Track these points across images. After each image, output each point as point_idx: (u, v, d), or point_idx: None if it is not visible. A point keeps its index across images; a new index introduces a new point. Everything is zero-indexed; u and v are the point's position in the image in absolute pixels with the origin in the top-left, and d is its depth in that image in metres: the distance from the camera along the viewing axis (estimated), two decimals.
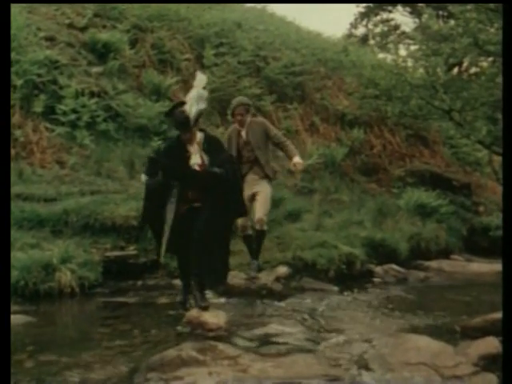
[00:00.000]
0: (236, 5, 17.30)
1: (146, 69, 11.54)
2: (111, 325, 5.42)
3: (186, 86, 11.85)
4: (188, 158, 5.43)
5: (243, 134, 6.94)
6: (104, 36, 11.31)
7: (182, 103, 5.47)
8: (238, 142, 6.92)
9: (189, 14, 13.45)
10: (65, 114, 9.56)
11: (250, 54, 13.05)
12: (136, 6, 12.53)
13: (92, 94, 10.05)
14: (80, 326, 5.73)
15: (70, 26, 11.53)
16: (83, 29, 11.58)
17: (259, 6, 18.62)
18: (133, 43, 11.78)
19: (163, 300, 6.28)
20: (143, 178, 5.62)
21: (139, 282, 7.01)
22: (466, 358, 4.48)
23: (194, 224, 5.31)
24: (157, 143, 9.46)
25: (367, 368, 4.32)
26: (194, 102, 5.36)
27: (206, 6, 14.86)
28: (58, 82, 9.89)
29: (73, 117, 9.56)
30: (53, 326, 5.53)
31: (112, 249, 7.20)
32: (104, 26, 11.86)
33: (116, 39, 11.30)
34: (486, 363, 4.48)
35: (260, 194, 6.79)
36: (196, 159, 5.45)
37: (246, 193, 6.50)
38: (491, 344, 4.76)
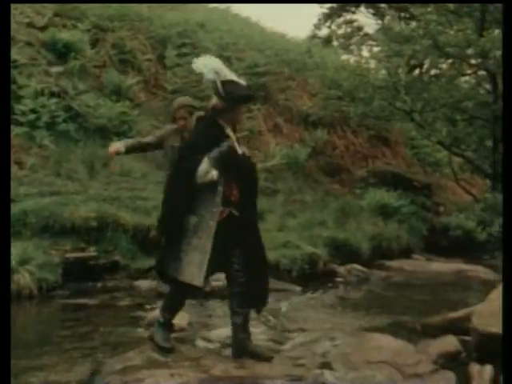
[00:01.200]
0: (199, 5, 17.23)
1: (106, 69, 11.39)
2: (71, 327, 5.33)
3: (148, 86, 11.77)
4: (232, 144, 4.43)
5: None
6: (64, 35, 11.11)
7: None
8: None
9: (150, 14, 13.34)
10: (24, 114, 9.38)
11: (213, 55, 12.90)
12: (97, 5, 12.36)
13: (52, 94, 9.88)
14: (39, 328, 5.61)
15: (30, 25, 11.30)
16: (43, 28, 11.36)
17: (223, 6, 18.56)
18: (93, 43, 11.62)
19: (124, 302, 6.21)
20: (215, 174, 4.25)
21: (99, 284, 6.92)
22: (426, 356, 4.54)
23: (239, 236, 4.37)
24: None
25: (330, 367, 4.33)
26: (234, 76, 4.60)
27: (169, 6, 14.75)
28: (16, 81, 9.70)
29: (32, 117, 9.38)
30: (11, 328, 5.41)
31: (72, 250, 7.09)
32: (64, 26, 11.65)
33: (76, 39, 11.12)
34: (445, 361, 4.56)
35: None
36: (237, 147, 4.49)
37: None
38: (450, 342, 4.84)
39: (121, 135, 9.76)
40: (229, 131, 4.46)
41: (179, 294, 4.38)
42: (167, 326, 4.38)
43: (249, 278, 4.38)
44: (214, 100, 4.47)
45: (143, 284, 6.93)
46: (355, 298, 6.92)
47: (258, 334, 5.04)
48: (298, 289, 7.24)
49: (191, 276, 4.17)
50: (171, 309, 4.41)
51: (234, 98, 4.42)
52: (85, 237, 7.28)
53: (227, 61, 13.08)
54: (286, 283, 7.39)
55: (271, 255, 7.64)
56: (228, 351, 4.41)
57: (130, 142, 6.03)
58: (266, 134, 12.78)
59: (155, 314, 5.33)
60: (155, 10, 13.71)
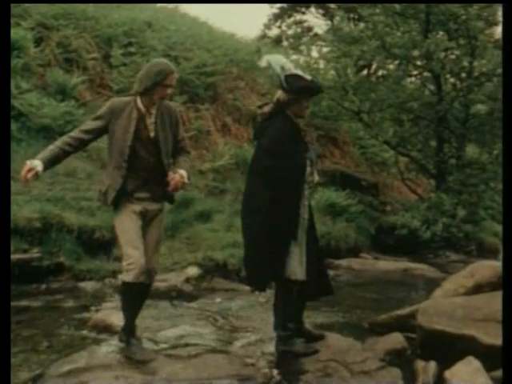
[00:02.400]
0: (147, 4, 17.04)
1: (51, 68, 11.11)
2: (14, 330, 5.17)
3: (93, 85, 11.56)
4: (305, 137, 4.67)
5: (149, 120, 4.26)
6: None
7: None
8: (137, 129, 4.21)
9: (96, 13, 13.11)
10: None
11: (161, 54, 12.84)
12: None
13: None
14: None
15: None
16: None
17: (171, 5, 18.42)
18: (37, 41, 11.33)
19: (68, 304, 6.08)
20: (316, 178, 4.59)
21: (43, 286, 6.76)
22: (373, 353, 4.60)
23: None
24: None
25: (279, 366, 4.34)
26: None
27: (115, 4, 14.52)
28: None
29: None
30: None
31: (14, 251, 6.87)
32: None
33: (20, 37, 10.81)
34: (392, 358, 4.62)
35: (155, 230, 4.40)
36: (310, 138, 4.87)
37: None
38: (396, 340, 4.92)
39: (65, 135, 9.55)
40: (302, 125, 4.67)
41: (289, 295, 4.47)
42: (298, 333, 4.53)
43: (314, 267, 4.50)
44: (279, 93, 4.62)
45: (88, 285, 6.81)
46: None
47: (207, 334, 5.01)
48: (247, 288, 7.21)
49: (294, 272, 4.35)
50: (291, 316, 4.52)
51: (296, 89, 4.52)
52: (28, 238, 7.08)
53: (174, 60, 12.97)
54: (235, 283, 7.36)
55: (219, 255, 7.64)
56: (176, 351, 4.35)
57: (51, 150, 4.24)
58: (214, 133, 12.72)
59: (100, 315, 5.24)
60: (101, 9, 13.49)
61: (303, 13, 25.94)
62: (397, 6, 13.41)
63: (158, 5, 18.30)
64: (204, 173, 10.55)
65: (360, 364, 4.33)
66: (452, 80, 14.20)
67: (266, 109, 4.68)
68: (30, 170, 3.99)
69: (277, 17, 26.07)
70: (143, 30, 13.36)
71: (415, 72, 15.03)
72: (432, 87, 13.94)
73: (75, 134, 4.27)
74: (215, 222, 9.04)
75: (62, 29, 11.93)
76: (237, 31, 18.85)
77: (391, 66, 15.40)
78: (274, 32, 26.38)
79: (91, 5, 13.22)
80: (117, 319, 5.11)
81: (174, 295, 6.45)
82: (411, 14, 13.28)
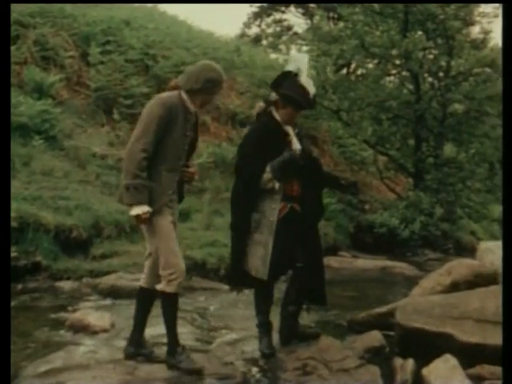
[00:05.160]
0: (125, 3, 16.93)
1: (27, 65, 11.00)
2: None
3: (70, 83, 11.46)
4: (290, 142, 4.56)
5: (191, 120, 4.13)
6: None
7: (291, 74, 4.56)
8: (185, 128, 4.06)
9: (74, 11, 13.02)
10: None
11: (139, 53, 12.81)
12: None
13: None
14: None
15: None
16: None
17: (149, 4, 18.34)
18: (14, 39, 11.20)
19: (45, 303, 6.01)
20: (277, 185, 4.46)
21: (19, 285, 6.65)
22: (352, 351, 4.61)
23: (299, 234, 4.53)
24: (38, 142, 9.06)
25: (258, 365, 4.37)
26: (310, 83, 4.62)
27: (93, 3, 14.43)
28: None
29: None
30: None
31: None
32: None
33: None
34: (371, 356, 4.65)
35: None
36: (296, 144, 4.60)
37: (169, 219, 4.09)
38: (375, 337, 4.94)
39: (42, 133, 9.47)
40: (288, 128, 4.59)
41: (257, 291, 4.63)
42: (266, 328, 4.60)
43: (310, 273, 4.57)
44: (273, 94, 4.62)
45: (66, 285, 6.75)
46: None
47: (185, 333, 4.98)
48: (226, 287, 7.19)
49: (256, 269, 4.42)
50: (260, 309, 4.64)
51: (283, 96, 4.51)
52: None
53: (153, 59, 12.92)
54: (214, 282, 7.34)
55: (198, 254, 7.61)
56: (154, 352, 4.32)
57: (143, 187, 3.85)
58: None
59: (77, 315, 5.19)
60: (79, 7, 13.39)
61: (283, 12, 25.97)
62: (376, 6, 13.49)
63: (137, 4, 18.20)
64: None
65: (339, 362, 4.34)
66: (430, 79, 14.33)
67: (256, 109, 4.73)
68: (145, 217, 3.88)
69: (256, 16, 26.09)
70: (121, 29, 13.28)
71: (394, 71, 15.11)
72: (410, 86, 14.03)
73: (144, 154, 3.86)
74: (194, 221, 9.01)
75: (39, 27, 11.82)
76: (216, 30, 18.86)
77: (370, 65, 15.48)
78: (253, 31, 26.40)
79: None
80: (94, 319, 5.08)
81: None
82: (390, 13, 13.37)
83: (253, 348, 4.65)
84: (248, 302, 6.43)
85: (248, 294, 6.50)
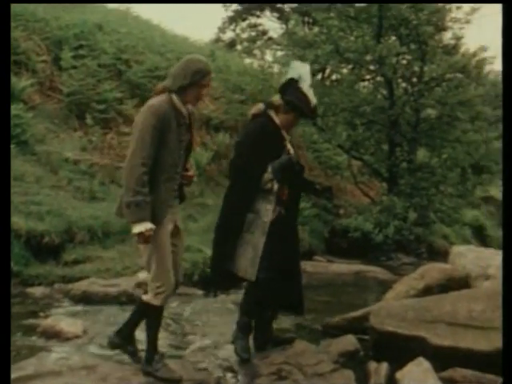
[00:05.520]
0: (98, 6, 16.79)
1: None
2: None
3: (42, 88, 11.32)
4: (285, 146, 4.63)
5: (184, 121, 4.02)
6: None
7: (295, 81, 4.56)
8: (180, 134, 3.96)
9: (46, 15, 12.86)
10: None
11: (111, 57, 12.70)
12: None
13: None
14: None
15: None
16: None
17: (123, 7, 18.20)
18: None
19: (16, 309, 5.90)
20: (276, 187, 4.52)
21: None
22: (327, 355, 4.62)
23: (284, 236, 4.58)
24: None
25: (232, 370, 4.36)
26: (311, 92, 4.64)
27: (66, 6, 14.25)
28: None
29: None
30: None
31: None
32: None
33: None
34: (345, 360, 4.66)
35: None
36: (291, 150, 4.69)
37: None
38: (349, 342, 4.96)
39: (14, 138, 9.34)
40: (284, 133, 4.62)
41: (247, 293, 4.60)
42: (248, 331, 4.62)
43: (287, 279, 4.64)
44: (276, 97, 4.63)
45: (37, 291, 6.65)
46: None
47: (159, 339, 4.91)
48: (200, 292, 7.17)
49: (245, 270, 4.39)
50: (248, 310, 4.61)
51: (290, 103, 4.52)
52: None
53: (126, 64, 12.83)
54: (188, 287, 7.28)
55: None
56: (127, 357, 4.28)
57: (146, 204, 3.73)
58: None
59: (49, 321, 5.13)
60: (52, 11, 13.23)
61: (258, 16, 25.92)
62: (351, 10, 13.56)
63: (110, 7, 18.08)
64: None
65: (314, 366, 4.36)
66: (403, 85, 14.43)
67: (255, 109, 4.71)
68: (148, 235, 3.75)
69: (231, 20, 25.99)
70: (94, 33, 13.15)
71: (368, 76, 15.20)
72: (384, 92, 14.11)
73: (144, 168, 3.72)
74: None
75: (11, 30, 11.66)
76: (190, 35, 18.82)
77: (345, 71, 15.53)
78: (228, 35, 26.30)
79: (41, 6, 12.96)
80: (66, 325, 5.02)
81: (125, 300, 6.35)
82: (364, 18, 13.44)
83: (227, 354, 4.64)
84: (222, 308, 6.45)
85: (224, 301, 6.52)
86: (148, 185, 3.74)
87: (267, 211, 4.46)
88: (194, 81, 3.91)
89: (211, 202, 10.86)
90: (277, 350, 4.58)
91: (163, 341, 4.93)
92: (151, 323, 4.03)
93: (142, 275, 6.96)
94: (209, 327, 5.59)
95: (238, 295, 7.30)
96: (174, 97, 3.90)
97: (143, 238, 3.72)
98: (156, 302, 3.92)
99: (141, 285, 6.69)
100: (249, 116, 4.76)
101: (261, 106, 4.68)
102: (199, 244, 8.15)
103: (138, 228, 3.70)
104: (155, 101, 3.87)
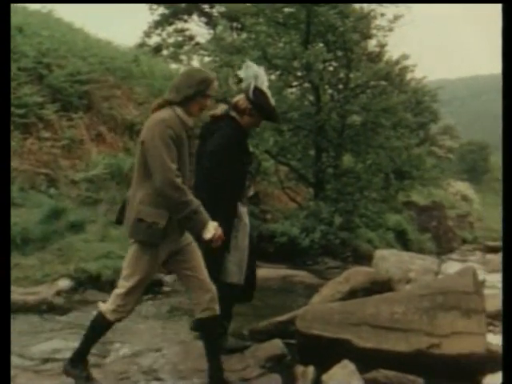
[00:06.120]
0: (19, 7, 16.23)
1: None
2: None
3: None
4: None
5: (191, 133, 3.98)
6: None
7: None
8: (188, 147, 3.92)
9: None
10: None
11: (32, 61, 12.28)
12: None
13: None
14: None
15: None
16: None
17: (45, 9, 17.66)
18: None
19: None
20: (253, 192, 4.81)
21: None
22: (253, 360, 4.60)
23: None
24: None
25: (157, 378, 4.28)
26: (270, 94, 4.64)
27: None
28: None
29: None
30: None
31: None
32: None
33: None
34: (272, 365, 4.65)
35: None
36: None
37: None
38: (276, 346, 4.95)
39: None
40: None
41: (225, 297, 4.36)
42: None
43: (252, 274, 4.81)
44: (240, 98, 4.58)
45: None
46: (182, 307, 6.83)
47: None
48: None
49: (232, 275, 4.45)
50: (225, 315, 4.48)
51: (259, 106, 4.48)
52: None
53: (47, 67, 12.45)
54: (109, 294, 7.08)
55: (92, 266, 7.35)
56: (46, 367, 4.13)
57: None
58: (88, 142, 12.27)
59: None
60: None
61: (185, 21, 25.67)
62: (279, 16, 13.66)
63: (31, 8, 17.51)
64: (77, 183, 10.17)
65: (241, 372, 4.36)
66: (330, 91, 14.66)
67: (218, 111, 4.68)
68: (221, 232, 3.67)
69: (157, 24, 25.60)
70: (14, 35, 12.69)
71: (295, 83, 15.33)
72: (311, 98, 14.28)
73: (180, 178, 3.65)
74: (88, 232, 8.72)
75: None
76: (115, 39, 18.46)
77: (272, 77, 15.62)
78: (154, 40, 25.86)
79: None
80: None
81: (45, 308, 6.13)
82: (292, 24, 13.57)
83: (151, 361, 4.55)
84: (146, 315, 6.32)
85: (147, 308, 6.40)
86: (158, 198, 3.68)
87: (245, 213, 4.60)
88: (200, 90, 3.83)
89: None
90: (202, 356, 4.51)
91: None
92: (94, 334, 3.99)
93: (63, 283, 6.76)
94: (132, 335, 5.46)
95: (161, 302, 7.24)
96: (178, 109, 3.80)
97: (218, 237, 3.68)
98: (111, 316, 3.88)
99: (60, 292, 6.50)
100: (214, 116, 4.72)
101: (223, 107, 4.67)
102: (121, 251, 7.99)
103: (208, 233, 3.65)
104: (163, 114, 3.77)
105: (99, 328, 3.95)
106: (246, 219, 4.62)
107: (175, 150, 3.67)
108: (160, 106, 3.84)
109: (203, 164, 4.50)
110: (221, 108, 4.69)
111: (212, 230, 3.64)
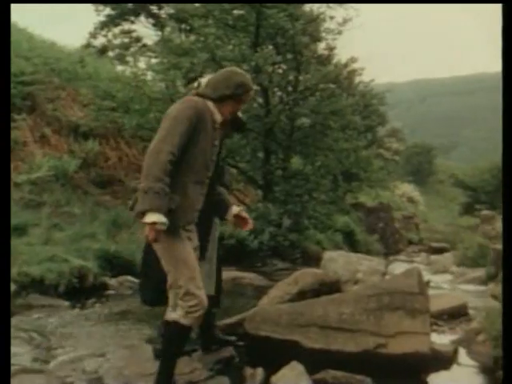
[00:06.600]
0: None
1: None
2: None
3: None
4: None
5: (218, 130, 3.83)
6: None
7: None
8: (213, 138, 3.75)
9: None
10: None
11: None
12: None
13: None
14: None
15: None
16: None
17: None
18: None
19: None
20: None
21: None
22: (201, 363, 4.55)
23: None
24: None
25: (102, 383, 4.19)
26: None
27: None
28: None
29: None
30: None
31: None
32: None
33: None
34: (220, 367, 4.61)
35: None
36: None
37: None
38: (225, 348, 4.90)
39: None
40: None
41: None
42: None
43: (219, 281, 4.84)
44: None
45: None
46: (127, 311, 6.72)
47: (22, 353, 4.67)
48: (67, 304, 6.86)
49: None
50: None
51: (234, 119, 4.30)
52: None
53: None
54: (53, 298, 6.97)
55: (36, 270, 7.17)
56: None
57: (164, 195, 3.42)
58: (31, 144, 12.02)
59: None
60: None
61: (132, 22, 25.29)
62: (229, 18, 13.63)
63: None
64: (19, 185, 9.93)
65: (188, 375, 4.27)
66: (279, 93, 14.72)
67: None
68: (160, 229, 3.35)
69: (103, 25, 25.11)
70: None
71: None
72: (260, 100, 14.30)
73: (171, 156, 3.42)
74: (31, 235, 8.52)
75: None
76: (60, 40, 18.14)
77: None
78: (100, 41, 25.33)
79: None
80: None
81: None
82: (242, 26, 13.56)
83: (95, 366, 4.45)
84: (91, 320, 6.20)
85: (92, 312, 6.26)
86: (174, 182, 3.46)
87: (216, 225, 4.70)
88: (236, 93, 3.77)
89: (78, 211, 10.50)
90: (150, 360, 4.44)
91: (27, 355, 4.71)
92: (173, 345, 3.70)
93: None
94: (76, 339, 5.34)
95: (106, 306, 7.11)
96: (210, 103, 3.71)
97: (153, 230, 3.38)
98: (186, 321, 3.59)
99: None
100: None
101: None
102: (66, 254, 7.84)
103: (151, 217, 3.35)
104: (193, 97, 3.67)
105: (176, 337, 3.69)
106: (216, 231, 4.71)
107: (188, 130, 3.51)
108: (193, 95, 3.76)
109: None
110: None
111: (155, 218, 3.36)
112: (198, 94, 3.74)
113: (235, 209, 4.17)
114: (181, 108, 3.57)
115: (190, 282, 3.57)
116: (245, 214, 4.17)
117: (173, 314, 3.62)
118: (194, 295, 3.56)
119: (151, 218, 3.36)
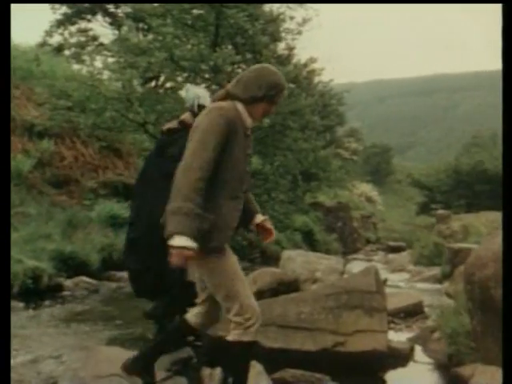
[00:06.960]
0: None
1: None
2: None
3: None
4: None
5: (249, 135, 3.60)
6: None
7: None
8: (245, 146, 3.43)
9: None
10: None
11: None
12: None
13: None
14: None
15: None
16: None
17: None
18: None
19: None
20: None
21: None
22: (159, 364, 4.49)
23: None
24: None
25: None
26: None
27: None
28: None
29: None
30: None
31: None
32: None
33: None
34: (178, 368, 4.57)
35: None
36: None
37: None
38: (182, 349, 4.86)
39: None
40: None
41: None
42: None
43: None
44: (187, 115, 4.69)
45: None
46: (83, 312, 6.63)
47: None
48: (21, 305, 6.72)
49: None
50: None
51: None
52: None
53: None
54: None
55: None
56: None
57: (193, 217, 3.06)
58: None
59: None
60: None
61: (89, 20, 24.92)
62: (187, 18, 13.55)
63: None
64: None
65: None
66: None
67: (170, 125, 4.79)
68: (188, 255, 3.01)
69: (59, 24, 24.67)
70: None
71: (204, 85, 15.27)
72: None
73: (202, 173, 3.10)
74: None
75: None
76: (14, 37, 17.73)
77: (179, 79, 15.50)
78: (55, 39, 24.84)
79: None
80: None
81: None
82: (201, 26, 13.50)
83: (51, 368, 4.37)
84: (45, 321, 6.08)
85: (46, 314, 6.14)
86: (207, 200, 3.14)
87: None
88: (268, 95, 3.41)
89: (33, 211, 10.31)
90: (104, 362, 4.37)
91: None
92: (243, 363, 3.52)
93: None
94: (31, 341, 5.24)
95: (61, 307, 7.00)
96: (240, 105, 3.37)
97: (181, 256, 3.03)
98: (248, 337, 3.40)
99: None
100: (167, 131, 4.79)
101: (175, 123, 4.79)
102: (20, 254, 7.69)
103: (178, 241, 3.00)
104: (223, 104, 3.33)
105: (243, 355, 3.52)
106: None
107: (220, 143, 3.20)
108: (221, 99, 3.42)
109: (168, 170, 4.35)
110: (173, 123, 4.81)
111: (184, 243, 3.01)
112: (227, 93, 3.45)
113: (259, 217, 3.88)
114: (210, 119, 3.24)
115: (244, 295, 3.38)
116: (269, 225, 3.86)
117: (233, 335, 3.44)
118: (249, 308, 3.39)
119: (178, 241, 3.02)
